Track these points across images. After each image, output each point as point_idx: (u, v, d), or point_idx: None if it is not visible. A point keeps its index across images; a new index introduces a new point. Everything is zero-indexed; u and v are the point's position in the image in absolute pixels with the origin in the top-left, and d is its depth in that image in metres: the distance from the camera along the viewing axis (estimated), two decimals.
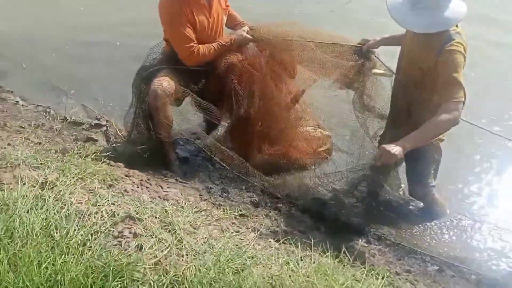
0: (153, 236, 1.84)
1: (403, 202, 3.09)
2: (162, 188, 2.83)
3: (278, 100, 3.14)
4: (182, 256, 1.75)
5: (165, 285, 1.57)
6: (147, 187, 2.73)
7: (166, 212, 2.10)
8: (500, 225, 2.90)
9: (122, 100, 3.85)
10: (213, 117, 3.15)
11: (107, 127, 3.76)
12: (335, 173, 2.96)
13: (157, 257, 1.72)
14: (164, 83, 2.99)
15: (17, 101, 4.10)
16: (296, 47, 2.97)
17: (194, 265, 1.65)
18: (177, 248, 1.80)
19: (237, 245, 1.88)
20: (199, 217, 2.22)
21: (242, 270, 1.66)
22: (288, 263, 1.78)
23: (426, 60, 2.52)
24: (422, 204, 3.05)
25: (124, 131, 3.58)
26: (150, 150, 3.22)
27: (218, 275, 1.58)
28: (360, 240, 2.65)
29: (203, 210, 2.52)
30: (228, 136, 3.29)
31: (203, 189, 3.08)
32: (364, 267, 2.00)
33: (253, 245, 1.98)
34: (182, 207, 2.38)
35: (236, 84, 3.05)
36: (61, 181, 2.06)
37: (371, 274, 1.77)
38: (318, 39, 2.97)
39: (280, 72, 3.10)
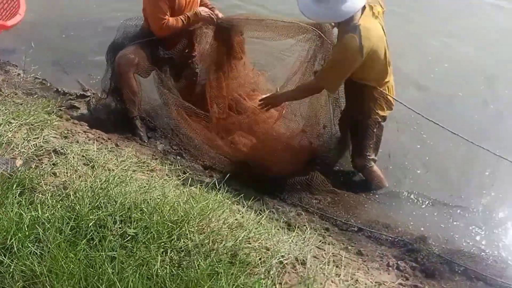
0: (69, 166, 2.14)
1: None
2: (117, 146, 3.12)
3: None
4: (85, 180, 2.03)
5: (58, 195, 1.87)
6: (101, 142, 3.04)
7: (93, 151, 2.39)
8: None
9: None
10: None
11: (90, 97, 4.13)
12: None
13: (64, 178, 2.01)
14: (129, 54, 3.36)
15: (19, 74, 4.55)
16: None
17: (87, 182, 1.94)
18: (87, 175, 2.10)
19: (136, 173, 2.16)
20: (129, 162, 2.49)
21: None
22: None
23: None
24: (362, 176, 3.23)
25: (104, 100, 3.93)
26: (118, 115, 3.57)
27: (103, 190, 1.86)
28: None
29: (142, 162, 2.79)
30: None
31: (160, 152, 3.37)
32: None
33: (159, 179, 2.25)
34: (121, 154, 2.67)
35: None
36: (6, 121, 2.40)
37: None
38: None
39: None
